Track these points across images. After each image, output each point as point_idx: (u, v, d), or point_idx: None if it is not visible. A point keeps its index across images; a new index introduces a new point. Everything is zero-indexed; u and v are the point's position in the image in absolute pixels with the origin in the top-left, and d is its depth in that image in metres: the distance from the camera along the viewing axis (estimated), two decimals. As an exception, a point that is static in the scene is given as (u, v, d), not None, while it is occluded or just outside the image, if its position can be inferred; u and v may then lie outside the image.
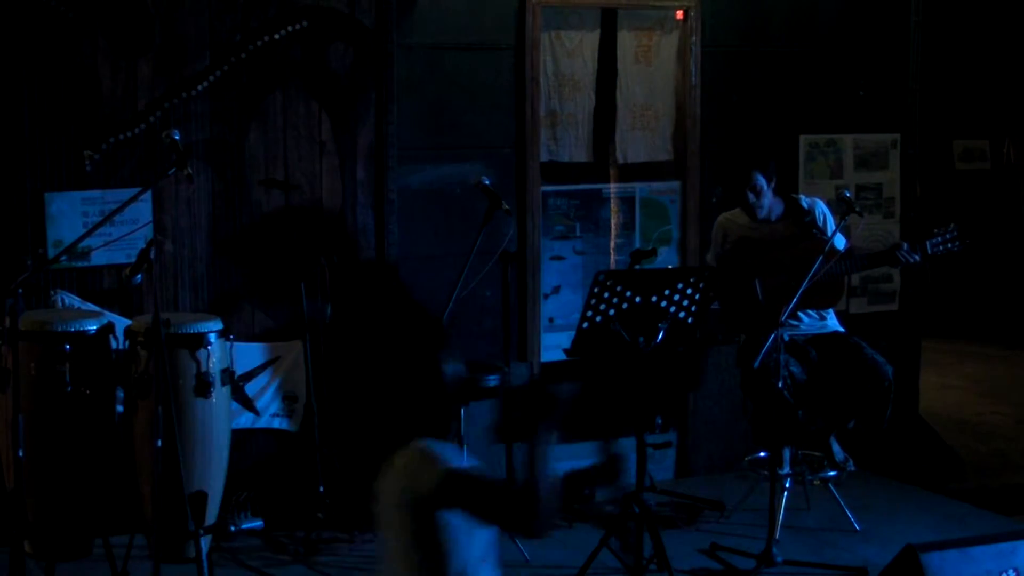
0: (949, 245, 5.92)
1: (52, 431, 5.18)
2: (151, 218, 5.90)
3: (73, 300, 5.77)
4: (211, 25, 5.96)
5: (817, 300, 5.92)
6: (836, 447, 6.28)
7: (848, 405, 6.03)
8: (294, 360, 6.12)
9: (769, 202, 6.18)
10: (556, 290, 6.77)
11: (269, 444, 6.20)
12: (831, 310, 6.23)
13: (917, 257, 5.93)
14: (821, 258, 5.67)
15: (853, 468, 6.32)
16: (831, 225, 6.11)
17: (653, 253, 6.40)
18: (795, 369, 5.93)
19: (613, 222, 6.86)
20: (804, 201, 6.25)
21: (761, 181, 6.12)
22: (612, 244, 6.87)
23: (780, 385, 5.68)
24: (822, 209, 6.23)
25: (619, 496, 5.54)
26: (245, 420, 6.03)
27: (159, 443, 4.97)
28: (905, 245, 5.96)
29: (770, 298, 6.02)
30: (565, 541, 6.00)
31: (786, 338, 5.69)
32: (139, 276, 4.98)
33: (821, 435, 6.23)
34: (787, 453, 6.07)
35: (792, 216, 6.19)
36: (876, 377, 5.96)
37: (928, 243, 5.93)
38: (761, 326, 6.01)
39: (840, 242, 6.14)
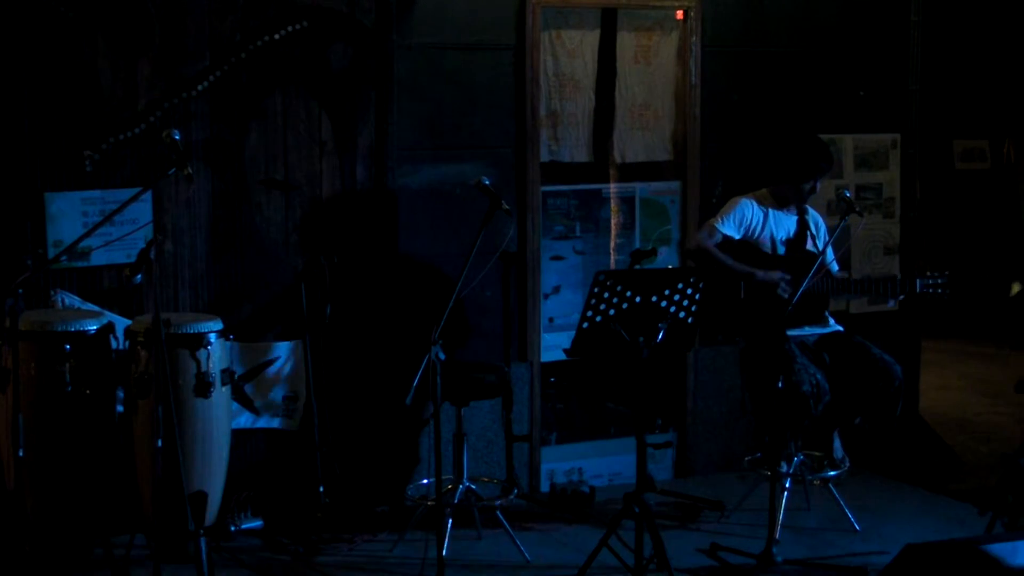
0: (940, 290, 6.10)
1: (52, 431, 5.19)
2: (151, 218, 5.90)
3: (73, 300, 5.77)
4: (211, 25, 5.96)
5: (799, 316, 5.99)
6: (837, 444, 6.31)
7: (856, 403, 6.06)
8: (294, 360, 6.12)
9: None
10: (556, 290, 6.77)
11: (269, 444, 6.20)
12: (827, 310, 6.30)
13: (902, 296, 6.14)
14: (820, 259, 5.72)
15: (848, 466, 6.36)
16: (823, 234, 6.26)
17: (653, 253, 6.42)
18: (819, 376, 5.93)
19: (613, 222, 6.86)
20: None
21: (821, 182, 6.27)
22: (612, 244, 6.87)
23: (807, 391, 5.73)
24: (815, 218, 6.34)
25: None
26: (245, 420, 6.04)
27: (159, 443, 4.97)
28: (897, 277, 6.17)
29: (754, 298, 6.06)
30: (565, 541, 6.01)
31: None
32: (139, 276, 4.98)
33: (825, 431, 6.27)
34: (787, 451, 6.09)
35: (800, 215, 6.29)
36: (887, 377, 6.00)
37: (919, 281, 6.09)
38: (747, 328, 6.08)
39: (834, 267, 6.32)
